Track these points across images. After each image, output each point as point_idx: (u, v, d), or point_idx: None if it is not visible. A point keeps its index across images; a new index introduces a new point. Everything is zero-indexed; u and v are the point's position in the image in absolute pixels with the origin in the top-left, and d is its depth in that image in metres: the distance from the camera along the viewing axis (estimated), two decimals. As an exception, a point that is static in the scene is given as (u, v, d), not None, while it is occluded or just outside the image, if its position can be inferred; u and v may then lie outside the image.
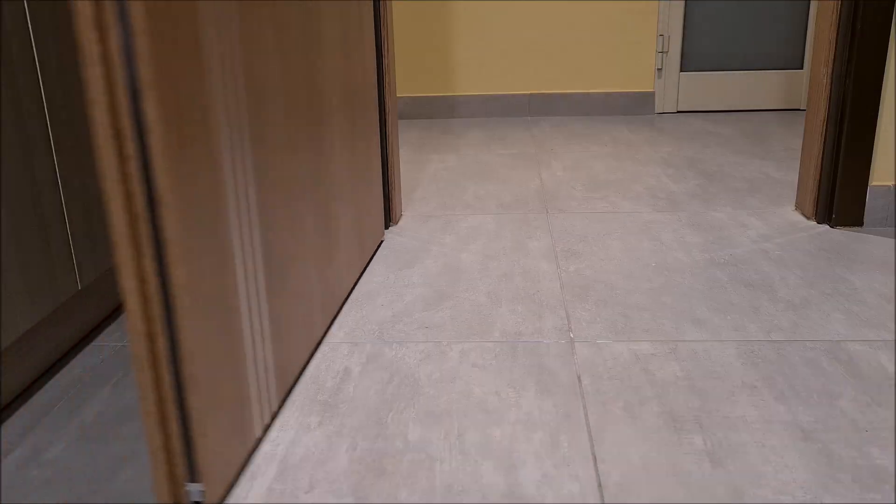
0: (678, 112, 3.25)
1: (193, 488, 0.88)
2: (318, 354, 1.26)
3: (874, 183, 1.75)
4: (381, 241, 1.76)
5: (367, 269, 1.61)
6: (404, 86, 3.30)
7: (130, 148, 0.75)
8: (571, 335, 1.29)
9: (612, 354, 1.22)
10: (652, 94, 3.21)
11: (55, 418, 1.10)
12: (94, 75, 0.73)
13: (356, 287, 1.52)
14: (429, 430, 1.04)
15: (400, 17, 3.21)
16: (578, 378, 1.16)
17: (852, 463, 0.95)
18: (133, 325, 0.80)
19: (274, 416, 1.08)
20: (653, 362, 1.19)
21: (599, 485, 0.92)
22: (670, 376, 1.15)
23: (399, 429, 1.05)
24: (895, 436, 1.00)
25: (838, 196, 1.75)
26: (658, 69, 3.18)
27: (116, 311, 1.45)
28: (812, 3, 3.10)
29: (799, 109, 3.23)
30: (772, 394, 1.10)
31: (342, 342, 1.30)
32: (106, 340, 1.33)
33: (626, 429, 1.03)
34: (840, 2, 1.67)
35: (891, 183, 1.75)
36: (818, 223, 1.79)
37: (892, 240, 1.69)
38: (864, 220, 1.76)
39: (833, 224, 1.77)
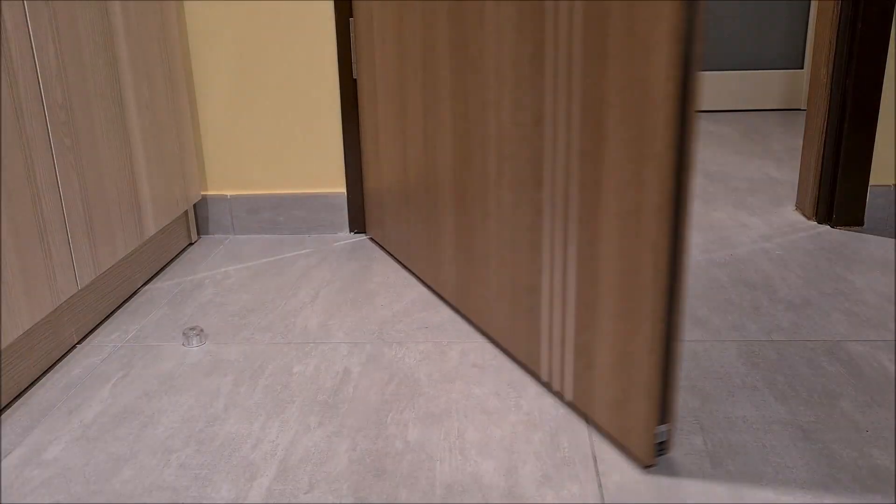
0: (678, 112, 3.24)
1: (661, 430, 0.94)
2: (317, 354, 1.26)
3: (874, 183, 1.74)
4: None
5: (366, 268, 1.61)
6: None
7: (671, 120, 0.82)
8: (571, 335, 1.29)
9: (612, 354, 1.22)
10: (652, 94, 3.20)
11: (55, 418, 1.10)
12: (664, 55, 0.80)
13: (355, 287, 1.52)
14: (429, 430, 1.04)
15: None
16: (578, 378, 1.16)
17: (853, 463, 0.95)
18: (651, 282, 0.88)
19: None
20: (653, 362, 1.19)
21: (599, 485, 0.92)
22: (670, 376, 1.15)
23: (399, 429, 1.05)
24: (895, 436, 1.00)
25: (838, 196, 1.75)
26: (658, 69, 3.18)
27: (116, 310, 1.45)
28: (812, 3, 3.10)
29: (799, 109, 3.23)
30: (772, 394, 1.10)
31: (342, 342, 1.30)
32: (106, 340, 1.33)
33: (626, 429, 1.03)
34: (840, 2, 1.67)
35: (891, 183, 1.75)
36: (818, 223, 1.79)
37: (892, 240, 1.69)
38: (865, 220, 1.76)
39: (833, 224, 1.77)
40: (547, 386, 1.14)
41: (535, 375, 1.17)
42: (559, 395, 1.11)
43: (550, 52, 0.98)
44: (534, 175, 1.06)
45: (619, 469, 0.95)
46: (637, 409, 0.93)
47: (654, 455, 0.94)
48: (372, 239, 1.78)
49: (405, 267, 1.61)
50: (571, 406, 1.09)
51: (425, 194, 1.41)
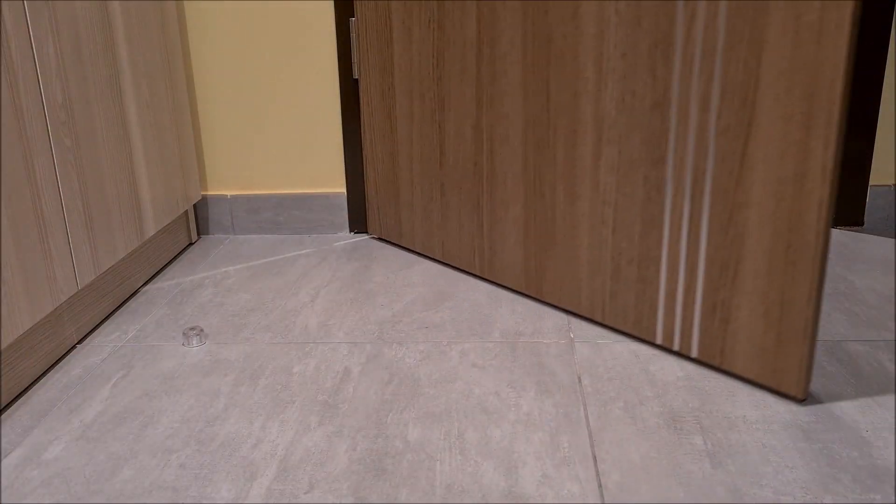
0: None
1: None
2: (318, 354, 1.26)
3: (874, 183, 1.75)
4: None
5: (366, 268, 1.61)
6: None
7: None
8: (571, 335, 1.29)
9: (612, 354, 1.22)
10: (652, 94, 3.20)
11: (55, 418, 1.10)
12: (843, 38, 0.92)
13: (355, 287, 1.52)
14: (429, 430, 1.04)
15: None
16: (578, 378, 1.16)
17: (852, 463, 0.95)
18: (815, 236, 1.01)
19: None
20: (653, 362, 1.19)
21: (599, 485, 0.92)
22: (670, 376, 1.15)
23: (399, 429, 1.05)
24: (895, 436, 1.00)
25: (838, 196, 1.75)
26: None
27: (116, 310, 1.45)
28: (812, 3, 3.10)
29: (799, 109, 3.22)
30: (772, 394, 1.10)
31: (342, 342, 1.30)
32: (106, 340, 1.33)
33: (626, 429, 1.03)
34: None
35: (891, 183, 1.75)
36: (818, 223, 1.79)
37: (892, 240, 1.69)
38: (865, 220, 1.76)
39: (833, 224, 1.77)
40: (663, 348, 1.23)
41: (644, 340, 1.26)
42: (681, 354, 1.21)
43: (680, 44, 1.08)
44: (650, 155, 1.16)
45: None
46: (793, 352, 1.06)
47: (806, 389, 1.07)
48: (376, 237, 1.78)
49: (430, 258, 1.61)
50: (698, 361, 1.19)
51: (474, 184, 1.48)
